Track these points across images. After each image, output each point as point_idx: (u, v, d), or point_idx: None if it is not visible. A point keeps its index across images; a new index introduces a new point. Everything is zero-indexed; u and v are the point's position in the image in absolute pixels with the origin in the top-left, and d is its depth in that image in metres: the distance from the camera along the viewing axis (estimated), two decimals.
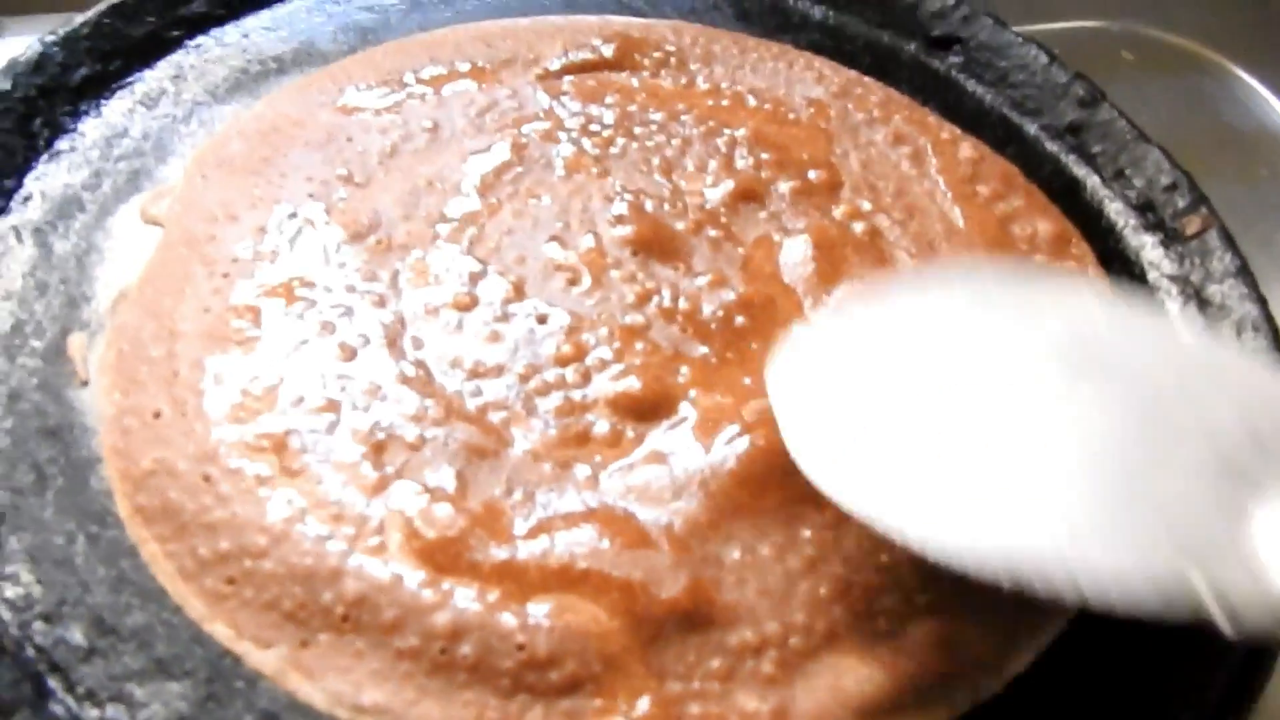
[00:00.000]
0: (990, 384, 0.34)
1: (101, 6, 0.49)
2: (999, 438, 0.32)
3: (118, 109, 0.47)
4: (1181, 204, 0.47)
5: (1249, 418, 0.31)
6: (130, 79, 0.48)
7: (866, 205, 0.47)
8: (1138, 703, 0.34)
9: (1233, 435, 0.31)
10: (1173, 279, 0.46)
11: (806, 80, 0.52)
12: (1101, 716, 0.34)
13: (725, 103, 0.51)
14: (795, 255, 0.44)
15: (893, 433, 0.33)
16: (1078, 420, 0.32)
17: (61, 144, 0.46)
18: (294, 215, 0.43)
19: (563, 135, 0.48)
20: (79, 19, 0.48)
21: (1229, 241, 0.45)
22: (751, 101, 0.51)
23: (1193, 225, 0.46)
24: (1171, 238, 0.47)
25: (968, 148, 0.50)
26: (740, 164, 0.48)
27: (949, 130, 0.51)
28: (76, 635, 0.33)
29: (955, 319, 0.37)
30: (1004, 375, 0.34)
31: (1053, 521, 0.30)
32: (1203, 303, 0.44)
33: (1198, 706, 0.34)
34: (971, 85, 0.54)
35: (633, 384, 0.39)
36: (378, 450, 0.37)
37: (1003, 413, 0.33)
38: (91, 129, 0.46)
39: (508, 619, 0.33)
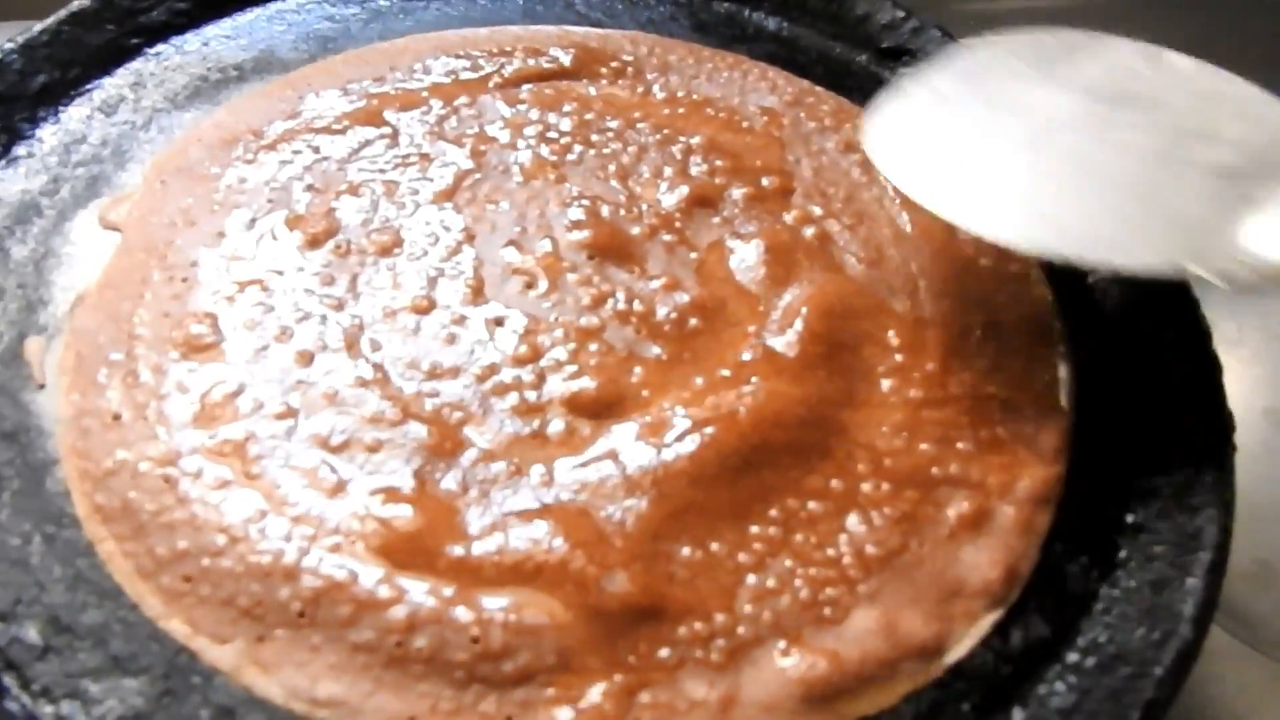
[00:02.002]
0: (1047, 117, 0.43)
1: (61, 14, 0.49)
2: (1054, 155, 0.41)
3: (76, 116, 0.48)
4: None
5: (1250, 136, 0.41)
6: (89, 86, 0.49)
7: (817, 210, 0.48)
8: (1073, 692, 0.35)
9: (1236, 150, 0.41)
10: (1111, 280, 0.47)
11: (760, 90, 0.53)
12: (1037, 705, 0.35)
13: (681, 111, 0.52)
14: (747, 259, 0.45)
15: (966, 150, 0.43)
16: (1113, 142, 0.41)
17: (19, 150, 0.46)
18: (253, 221, 0.44)
19: (521, 143, 0.49)
20: (37, 26, 0.48)
21: None
22: (707, 110, 0.52)
23: None
24: None
25: None
26: (695, 171, 0.48)
27: None
28: (32, 634, 0.33)
29: (1019, 72, 0.46)
30: (1058, 109, 0.43)
31: (1084, 211, 0.39)
32: None
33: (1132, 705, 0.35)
34: None
35: (587, 384, 0.40)
36: (336, 452, 0.37)
37: (1056, 136, 0.42)
38: (50, 135, 0.47)
39: (462, 613, 0.34)
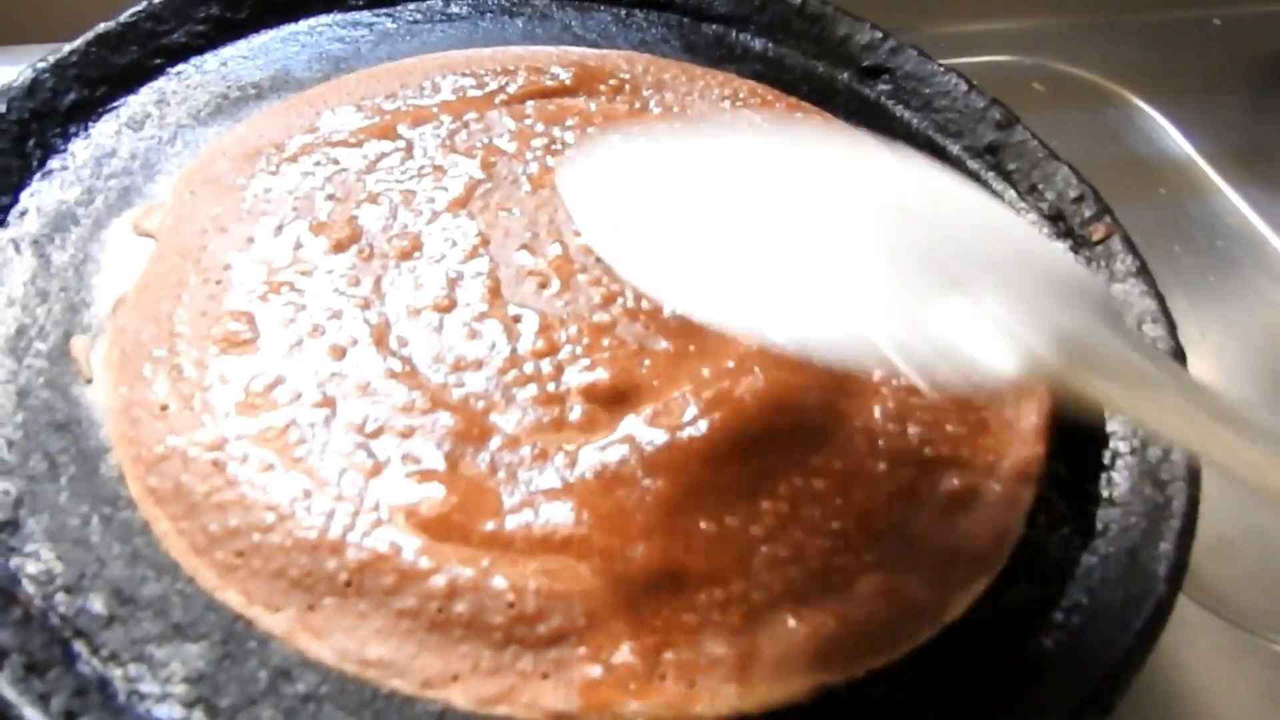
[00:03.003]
0: (760, 194, 0.39)
1: (88, 36, 0.51)
2: (760, 233, 0.37)
3: (105, 131, 0.50)
4: (1088, 214, 0.52)
5: (971, 234, 0.37)
6: (116, 103, 0.51)
7: None
8: (1059, 647, 0.38)
9: (955, 245, 0.36)
10: None
11: (752, 105, 0.57)
12: (1026, 659, 0.38)
13: (677, 125, 0.55)
14: None
15: (674, 224, 0.38)
16: (828, 220, 0.37)
17: (54, 163, 0.48)
18: (280, 228, 0.47)
19: (528, 154, 0.51)
20: (67, 48, 0.51)
21: (1130, 246, 0.50)
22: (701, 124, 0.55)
23: (1098, 232, 0.51)
24: (1080, 243, 0.52)
25: None
26: None
27: None
28: (97, 605, 0.35)
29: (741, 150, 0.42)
30: (772, 189, 0.39)
31: (790, 289, 0.35)
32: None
33: (1113, 657, 0.38)
34: (900, 110, 0.59)
35: (602, 375, 0.43)
36: (371, 438, 0.40)
37: (765, 215, 0.38)
38: (81, 149, 0.49)
39: (498, 581, 0.36)
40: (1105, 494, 0.43)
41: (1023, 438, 0.44)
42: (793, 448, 0.41)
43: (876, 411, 0.43)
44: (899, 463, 0.42)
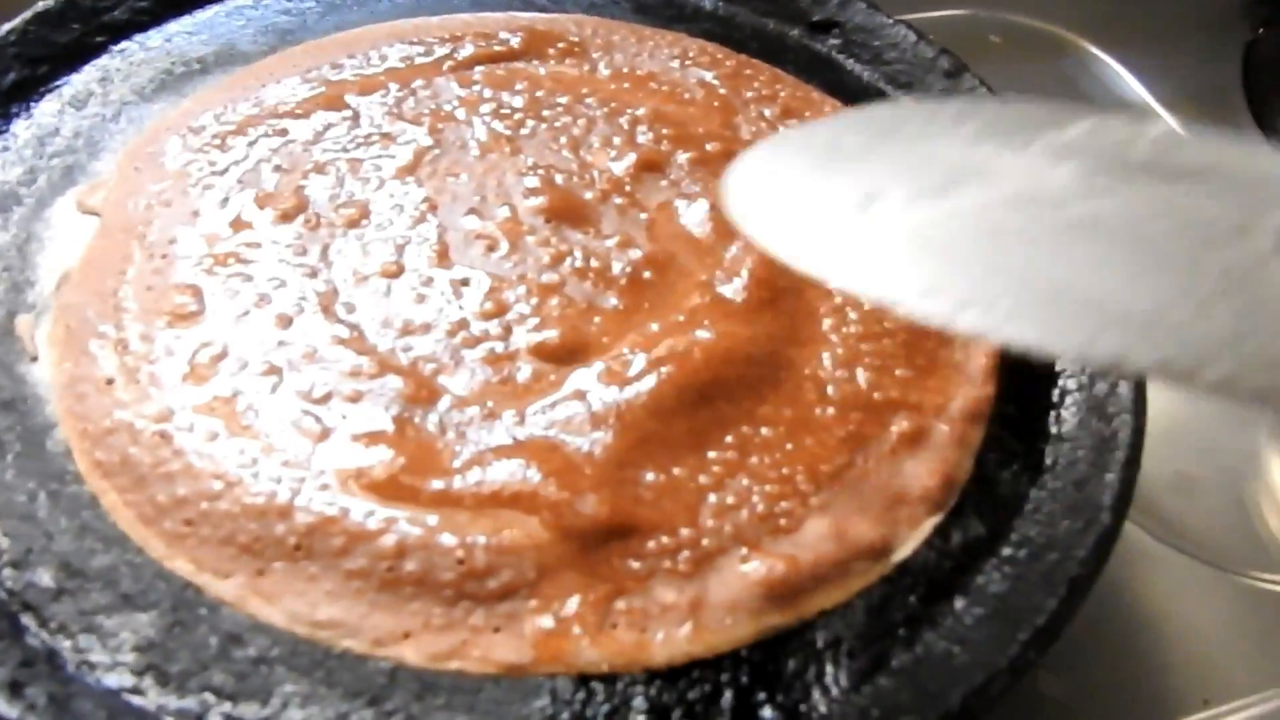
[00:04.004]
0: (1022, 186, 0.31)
1: (27, 15, 0.51)
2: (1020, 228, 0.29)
3: (47, 110, 0.50)
4: None
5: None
6: (58, 82, 0.51)
7: None
8: (1008, 580, 0.38)
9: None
10: None
11: (701, 64, 0.57)
12: (977, 593, 0.38)
13: (626, 86, 0.55)
14: (694, 217, 0.48)
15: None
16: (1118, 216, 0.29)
17: None
18: (226, 200, 0.46)
19: (476, 120, 0.51)
20: (5, 27, 0.50)
21: None
22: (650, 85, 0.55)
23: None
24: None
25: None
26: (641, 139, 0.51)
27: (831, 104, 0.56)
28: (45, 578, 0.36)
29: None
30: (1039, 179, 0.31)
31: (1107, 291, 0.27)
32: None
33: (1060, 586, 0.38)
34: (850, 64, 0.59)
35: (551, 334, 0.43)
36: (319, 404, 0.40)
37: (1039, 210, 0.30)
38: (23, 129, 0.49)
39: (447, 538, 0.36)
40: (1054, 430, 0.43)
41: (971, 379, 0.44)
42: (741, 398, 0.42)
43: (825, 358, 0.44)
44: (848, 408, 0.42)
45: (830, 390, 0.42)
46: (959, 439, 0.42)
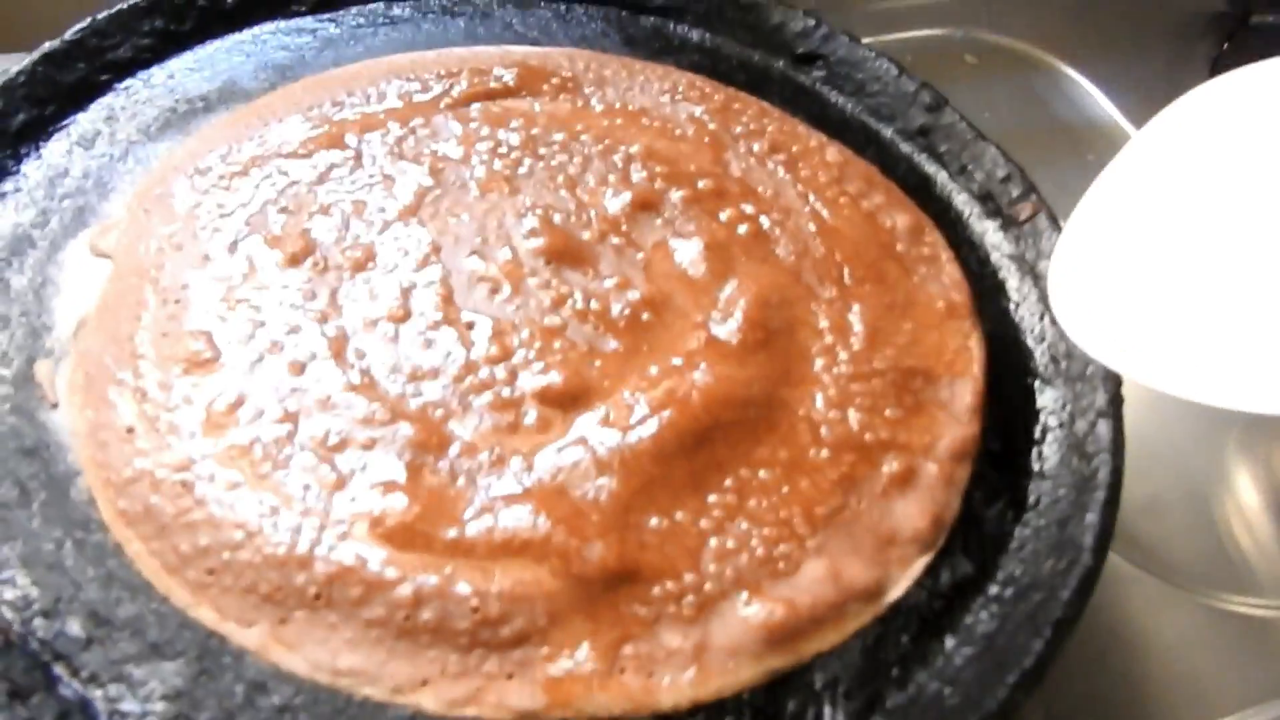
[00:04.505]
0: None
1: (35, 56, 0.52)
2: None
3: (57, 150, 0.51)
4: (1015, 193, 0.54)
5: None
6: (66, 122, 0.52)
7: (749, 208, 0.53)
8: (995, 619, 0.40)
9: None
10: (1011, 258, 0.53)
11: (691, 98, 0.58)
12: (966, 633, 0.40)
13: (619, 122, 0.56)
14: (689, 256, 0.50)
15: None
16: None
17: (6, 185, 0.49)
18: (235, 244, 0.48)
19: (475, 159, 0.53)
20: (14, 69, 0.51)
21: (1055, 224, 0.52)
22: (643, 121, 0.57)
23: (1025, 211, 0.53)
24: (1008, 223, 0.54)
25: (833, 152, 0.56)
26: (636, 177, 0.53)
27: (817, 138, 0.57)
28: (75, 628, 0.37)
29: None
30: None
31: None
32: (1036, 276, 0.51)
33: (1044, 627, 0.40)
34: (834, 96, 0.61)
35: (555, 378, 0.44)
36: (334, 451, 0.41)
37: None
38: (33, 170, 0.50)
39: (462, 586, 0.38)
40: (1036, 468, 0.45)
41: (957, 417, 0.46)
42: (738, 440, 0.43)
43: (818, 399, 0.45)
44: (841, 449, 0.44)
45: (824, 431, 0.44)
46: (947, 478, 0.44)
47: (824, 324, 0.48)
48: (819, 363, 0.47)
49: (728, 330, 0.47)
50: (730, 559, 0.40)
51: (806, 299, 0.49)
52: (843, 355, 0.47)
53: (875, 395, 0.46)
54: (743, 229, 0.52)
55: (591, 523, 0.40)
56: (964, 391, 0.47)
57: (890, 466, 0.44)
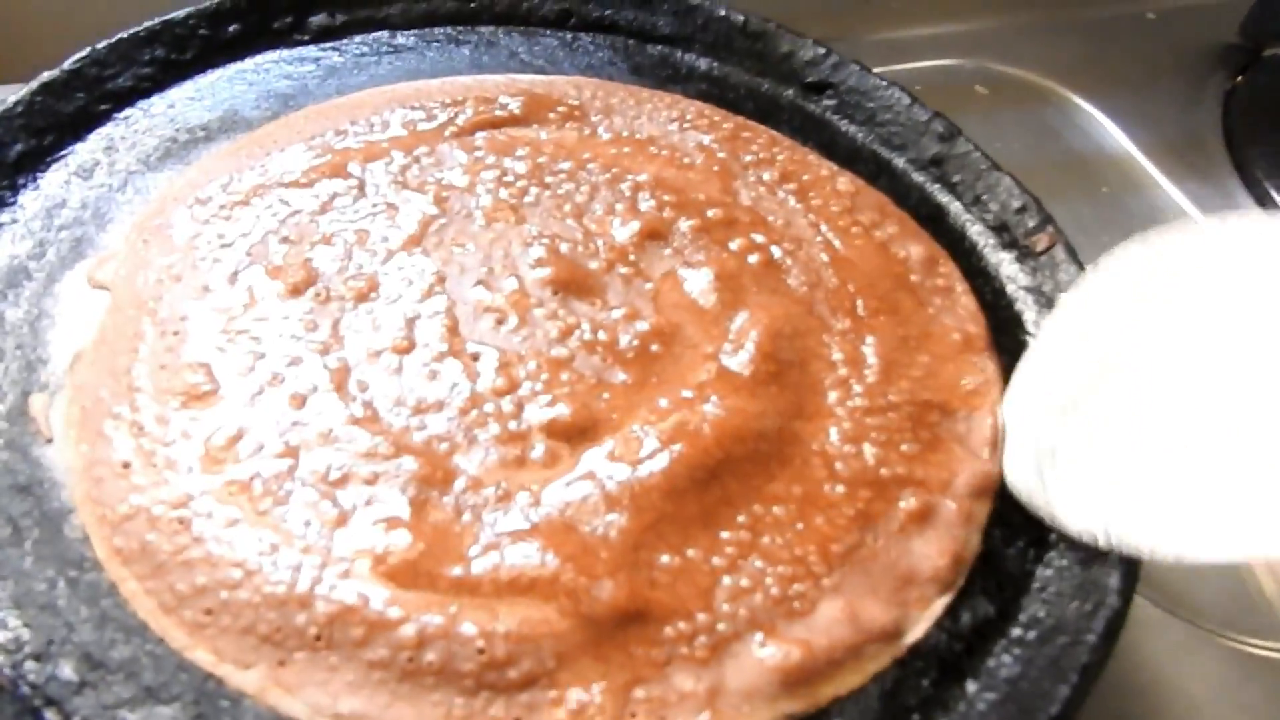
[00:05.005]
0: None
1: (33, 85, 0.51)
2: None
3: (54, 180, 0.50)
4: (1031, 224, 0.53)
5: None
6: (64, 152, 0.51)
7: (760, 238, 0.52)
8: (1019, 662, 0.39)
9: None
10: (1027, 290, 0.52)
11: (699, 127, 0.57)
12: (989, 677, 0.39)
13: (626, 150, 0.55)
14: (699, 286, 0.49)
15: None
16: None
17: (3, 217, 0.48)
18: (235, 274, 0.47)
19: (480, 188, 0.52)
20: (12, 98, 0.51)
21: (1073, 255, 0.51)
22: (650, 149, 0.56)
23: (1041, 243, 0.52)
24: (1024, 254, 0.53)
25: (845, 182, 0.55)
26: (644, 206, 0.52)
27: (828, 167, 0.57)
28: (67, 671, 0.36)
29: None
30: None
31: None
32: (1054, 308, 0.50)
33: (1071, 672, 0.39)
34: (845, 125, 0.60)
35: (563, 411, 0.43)
36: (336, 486, 0.40)
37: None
38: (31, 201, 0.49)
39: (467, 627, 0.37)
40: None
41: (976, 453, 0.45)
42: (750, 474, 0.42)
43: (832, 433, 0.44)
44: (856, 484, 0.43)
45: (838, 466, 0.43)
46: (966, 516, 0.43)
47: (837, 356, 0.47)
48: (833, 395, 0.46)
49: (739, 362, 0.46)
50: (744, 598, 0.39)
51: (819, 330, 0.48)
52: (857, 388, 0.46)
53: (890, 429, 0.45)
54: (753, 259, 0.51)
55: (601, 560, 0.39)
56: (982, 425, 0.46)
57: (908, 503, 0.42)
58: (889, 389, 0.46)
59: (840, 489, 0.42)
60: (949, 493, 0.43)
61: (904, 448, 0.44)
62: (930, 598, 0.40)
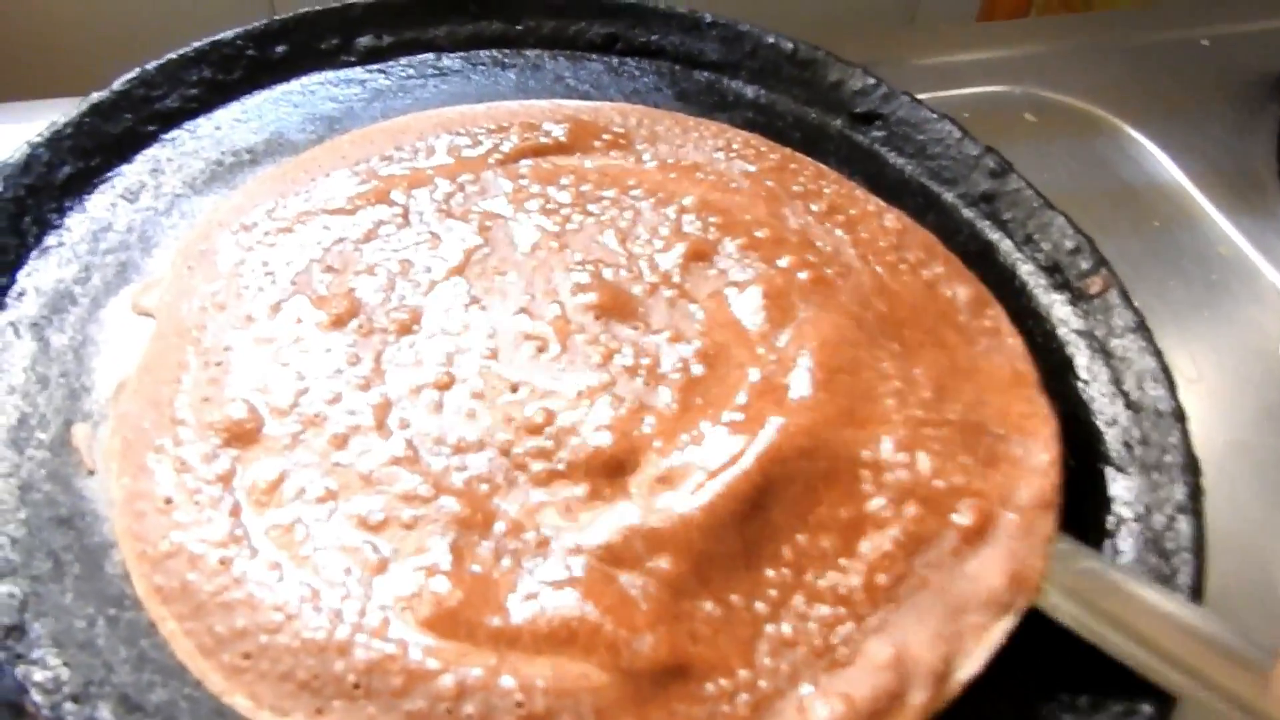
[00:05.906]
0: None
1: (83, 106, 0.51)
2: None
3: (101, 203, 0.50)
4: (1085, 266, 0.52)
5: None
6: (111, 174, 0.51)
7: (811, 258, 0.51)
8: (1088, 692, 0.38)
9: None
10: (1080, 334, 0.51)
11: (746, 156, 0.56)
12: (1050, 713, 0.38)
13: (673, 176, 0.54)
14: (747, 305, 0.48)
15: None
16: None
17: (50, 240, 0.48)
18: (279, 304, 0.46)
19: (523, 216, 0.51)
20: (62, 120, 0.51)
21: (1127, 300, 0.50)
22: (697, 175, 0.55)
23: (1095, 285, 0.51)
24: (1077, 296, 0.52)
25: (892, 219, 0.54)
26: (689, 228, 0.51)
27: (875, 203, 0.55)
28: (105, 713, 0.36)
29: None
30: None
31: None
32: (1107, 355, 0.49)
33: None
34: (893, 157, 0.59)
35: (603, 441, 0.42)
36: (375, 531, 0.40)
37: None
38: (77, 224, 0.49)
39: (507, 680, 0.36)
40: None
41: (1035, 469, 0.43)
42: (796, 500, 0.41)
43: (886, 442, 0.43)
44: (905, 497, 0.41)
45: (889, 477, 0.42)
46: (1028, 528, 0.41)
47: (890, 370, 0.46)
48: (889, 402, 0.44)
49: (789, 374, 0.45)
50: (785, 652, 0.38)
51: (871, 345, 0.47)
52: (912, 399, 0.45)
53: (947, 441, 0.43)
54: (803, 275, 0.49)
55: (640, 611, 0.38)
56: (1037, 449, 0.44)
57: (963, 518, 0.41)
58: (944, 407, 0.45)
59: (889, 505, 0.41)
60: (1010, 505, 0.42)
61: (961, 459, 0.43)
62: (985, 625, 0.39)
